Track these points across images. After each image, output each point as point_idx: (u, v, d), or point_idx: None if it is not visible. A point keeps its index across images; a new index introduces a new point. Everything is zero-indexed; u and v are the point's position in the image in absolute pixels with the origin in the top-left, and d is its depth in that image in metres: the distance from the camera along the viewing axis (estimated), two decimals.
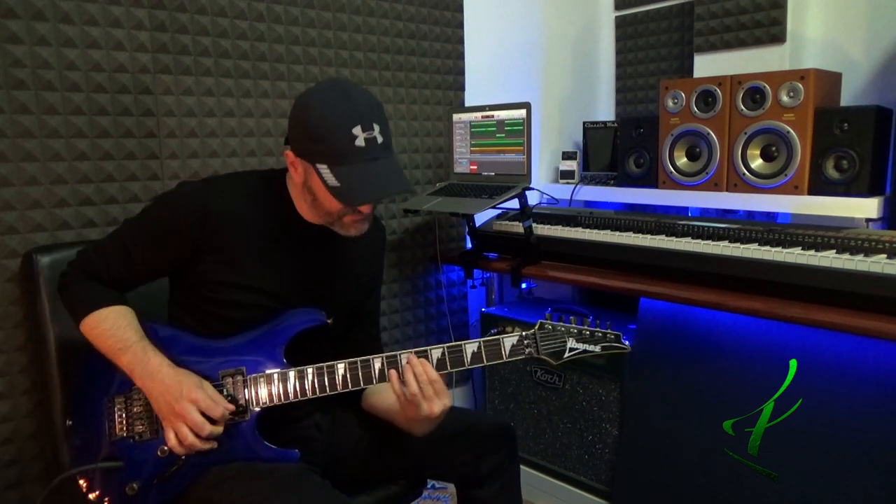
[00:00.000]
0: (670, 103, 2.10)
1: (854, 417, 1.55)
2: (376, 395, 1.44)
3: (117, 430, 1.26)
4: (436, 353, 1.28)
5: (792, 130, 1.84)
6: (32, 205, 1.57)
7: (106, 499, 1.24)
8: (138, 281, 1.33)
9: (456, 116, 2.25)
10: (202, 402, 1.18)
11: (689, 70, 2.31)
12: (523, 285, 2.51)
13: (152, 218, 1.30)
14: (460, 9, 2.40)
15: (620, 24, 2.72)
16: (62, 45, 1.57)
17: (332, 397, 1.29)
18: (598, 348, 1.33)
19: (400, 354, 1.28)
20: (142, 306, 1.32)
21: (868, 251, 1.51)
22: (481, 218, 2.22)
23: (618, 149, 2.34)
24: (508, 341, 1.30)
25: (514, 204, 2.03)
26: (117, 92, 1.67)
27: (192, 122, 1.80)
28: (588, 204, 2.51)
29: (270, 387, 1.27)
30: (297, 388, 1.27)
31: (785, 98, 1.85)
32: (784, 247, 1.59)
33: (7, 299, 1.54)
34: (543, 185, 2.58)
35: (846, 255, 1.50)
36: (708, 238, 1.73)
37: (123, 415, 1.26)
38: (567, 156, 2.58)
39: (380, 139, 1.20)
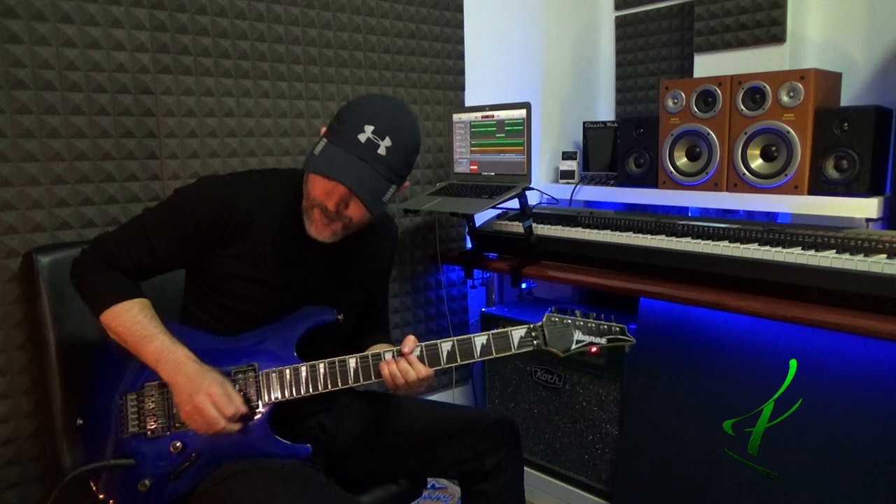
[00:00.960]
0: (670, 103, 2.10)
1: (854, 417, 1.55)
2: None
3: (129, 427, 1.26)
4: (446, 345, 1.31)
5: (792, 130, 1.84)
6: (32, 205, 1.57)
7: (116, 497, 1.24)
8: (160, 271, 1.33)
9: (456, 116, 2.25)
10: (218, 399, 1.19)
11: (689, 70, 2.31)
12: (523, 285, 2.51)
13: (180, 210, 1.30)
14: (460, 9, 2.40)
15: (620, 24, 2.71)
16: (62, 45, 1.57)
17: (337, 398, 1.31)
18: (603, 340, 1.35)
19: (402, 349, 1.31)
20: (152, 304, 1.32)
21: (868, 251, 1.50)
22: (481, 218, 2.22)
23: (618, 149, 2.34)
24: (517, 333, 1.33)
25: (514, 204, 2.03)
26: (117, 92, 1.67)
27: (192, 122, 1.80)
28: (588, 204, 2.51)
29: (282, 382, 1.29)
30: (310, 383, 1.29)
31: (785, 98, 1.85)
32: (784, 247, 1.59)
33: (7, 299, 1.54)
34: (543, 185, 2.58)
35: (846, 255, 1.50)
36: (708, 238, 1.73)
37: (136, 412, 1.27)
38: (567, 156, 2.58)
39: (382, 151, 1.20)
